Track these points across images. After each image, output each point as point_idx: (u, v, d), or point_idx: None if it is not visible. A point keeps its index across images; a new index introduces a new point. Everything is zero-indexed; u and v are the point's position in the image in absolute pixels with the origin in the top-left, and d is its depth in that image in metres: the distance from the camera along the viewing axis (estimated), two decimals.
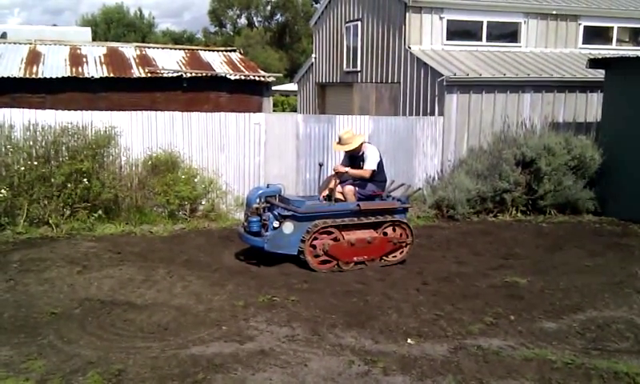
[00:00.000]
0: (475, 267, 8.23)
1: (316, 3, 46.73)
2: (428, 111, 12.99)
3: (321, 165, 8.95)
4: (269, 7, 53.54)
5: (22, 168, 9.16)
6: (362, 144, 8.29)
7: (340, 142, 8.36)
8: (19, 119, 9.59)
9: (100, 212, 9.52)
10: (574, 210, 11.76)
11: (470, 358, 5.27)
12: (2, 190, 8.97)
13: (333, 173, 8.32)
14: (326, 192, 8.15)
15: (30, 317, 5.89)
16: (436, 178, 12.31)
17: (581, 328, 6.04)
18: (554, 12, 15.19)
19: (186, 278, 7.24)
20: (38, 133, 9.48)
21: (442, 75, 12.43)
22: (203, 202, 10.55)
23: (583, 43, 15.61)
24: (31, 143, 9.42)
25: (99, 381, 4.59)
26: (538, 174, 11.40)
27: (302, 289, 7.06)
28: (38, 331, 5.53)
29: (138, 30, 49.99)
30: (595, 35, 15.92)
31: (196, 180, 10.32)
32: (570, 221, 11.47)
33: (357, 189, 8.16)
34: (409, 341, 5.61)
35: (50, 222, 9.24)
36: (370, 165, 8.13)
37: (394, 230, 8.20)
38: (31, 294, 6.53)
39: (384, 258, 8.16)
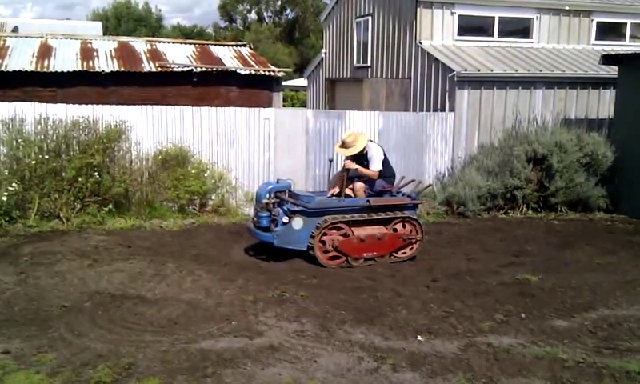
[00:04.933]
0: (486, 264, 8.19)
1: None
2: (439, 107, 12.92)
3: (331, 160, 8.94)
4: (279, 2, 53.53)
5: (33, 162, 9.19)
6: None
7: (344, 146, 8.22)
8: (30, 113, 9.63)
9: (110, 206, 9.56)
10: (586, 207, 11.67)
11: (480, 355, 5.24)
12: (14, 184, 9.02)
13: (343, 168, 8.29)
14: (337, 189, 8.13)
15: (41, 310, 5.92)
16: (446, 175, 12.25)
17: (592, 326, 5.99)
18: (567, 7, 15.03)
19: (195, 273, 7.25)
20: (49, 127, 9.51)
21: (453, 71, 12.35)
22: (213, 197, 10.56)
23: (596, 39, 15.43)
24: (42, 137, 9.46)
25: (109, 374, 4.61)
26: (550, 170, 11.31)
27: (312, 284, 7.05)
28: (49, 324, 5.56)
29: (148, 24, 50.10)
30: (608, 31, 15.74)
31: (206, 175, 10.33)
32: (582, 218, 11.38)
33: (366, 185, 8.13)
34: (419, 338, 5.59)
35: (61, 215, 9.29)
36: (376, 166, 8.09)
37: (403, 226, 8.17)
38: (42, 287, 6.56)
39: (394, 254, 8.14)
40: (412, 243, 8.24)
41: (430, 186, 10.86)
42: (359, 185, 8.07)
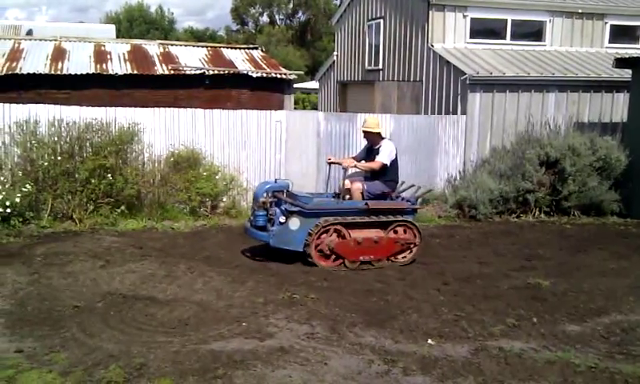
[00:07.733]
0: (497, 268, 8.14)
1: (337, 1, 46.71)
2: (450, 110, 12.89)
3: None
4: (291, 5, 53.60)
5: (47, 163, 9.29)
6: (380, 136, 8.24)
7: (364, 124, 8.40)
8: (44, 115, 9.73)
9: (123, 207, 9.62)
10: (599, 211, 11.58)
11: (491, 359, 5.21)
12: (27, 185, 9.11)
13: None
14: (351, 161, 8.14)
15: (54, 310, 5.96)
16: (458, 178, 12.21)
17: (605, 331, 5.94)
18: (580, 10, 14.96)
19: (206, 274, 7.27)
20: (62, 128, 9.61)
21: (465, 74, 12.32)
22: (224, 199, 10.60)
23: (609, 42, 15.35)
24: (56, 139, 9.55)
25: (121, 374, 4.63)
26: (562, 174, 11.24)
27: (322, 287, 7.04)
28: (61, 324, 5.60)
29: (160, 27, 50.39)
30: (622, 34, 15.64)
31: (217, 177, 10.38)
32: (595, 222, 11.30)
33: (365, 187, 8.08)
34: (429, 341, 5.57)
35: (74, 216, 9.37)
36: (382, 158, 8.03)
37: (404, 231, 8.11)
38: (54, 288, 6.61)
39: (391, 258, 8.08)
40: (410, 248, 8.16)
41: (430, 191, 10.74)
42: (357, 186, 8.01)
